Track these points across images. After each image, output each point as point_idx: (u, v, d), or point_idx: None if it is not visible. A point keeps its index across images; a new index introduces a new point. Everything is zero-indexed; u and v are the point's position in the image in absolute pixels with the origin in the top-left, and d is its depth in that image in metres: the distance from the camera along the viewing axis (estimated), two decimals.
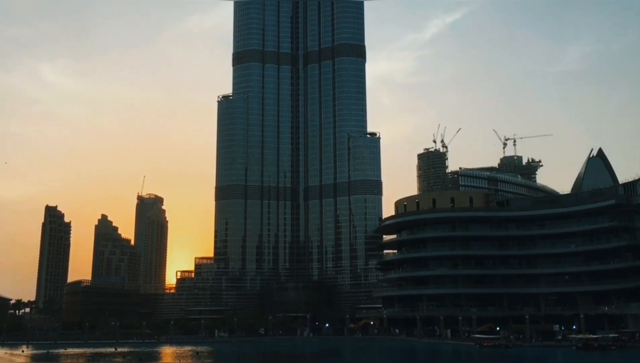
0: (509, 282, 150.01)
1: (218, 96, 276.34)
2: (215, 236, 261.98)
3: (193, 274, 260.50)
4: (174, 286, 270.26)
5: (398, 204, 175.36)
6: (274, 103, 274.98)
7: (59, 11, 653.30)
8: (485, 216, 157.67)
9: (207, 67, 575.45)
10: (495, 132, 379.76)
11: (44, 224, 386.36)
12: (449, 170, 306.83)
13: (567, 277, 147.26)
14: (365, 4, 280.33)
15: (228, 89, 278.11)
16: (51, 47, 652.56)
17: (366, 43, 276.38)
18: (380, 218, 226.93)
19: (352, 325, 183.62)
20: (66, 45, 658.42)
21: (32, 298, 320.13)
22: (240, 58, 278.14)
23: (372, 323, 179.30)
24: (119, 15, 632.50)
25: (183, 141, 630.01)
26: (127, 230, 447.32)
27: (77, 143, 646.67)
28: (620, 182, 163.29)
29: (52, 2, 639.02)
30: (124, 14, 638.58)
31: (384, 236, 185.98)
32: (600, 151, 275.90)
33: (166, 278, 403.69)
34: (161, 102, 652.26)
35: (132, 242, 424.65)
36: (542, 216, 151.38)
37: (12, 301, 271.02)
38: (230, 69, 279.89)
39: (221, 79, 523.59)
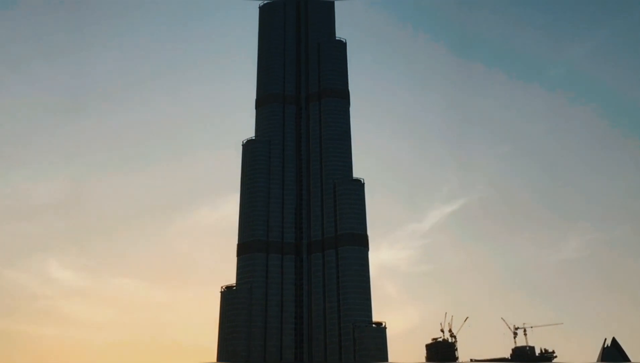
0: None
1: (221, 287, 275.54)
2: None
3: None
4: None
5: None
6: (277, 293, 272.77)
7: (67, 208, 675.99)
8: None
9: (211, 259, 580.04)
10: (504, 321, 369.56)
11: None
12: (459, 361, 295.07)
13: None
14: (367, 196, 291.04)
15: (232, 280, 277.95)
16: (58, 242, 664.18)
17: (369, 233, 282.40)
18: None
19: None
20: (73, 240, 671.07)
21: None
22: (244, 249, 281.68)
23: None
24: (127, 211, 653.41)
25: (183, 333, 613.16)
26: None
27: (73, 338, 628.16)
28: None
29: (62, 199, 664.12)
30: (132, 210, 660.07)
31: None
32: (614, 341, 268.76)
33: None
34: (163, 294, 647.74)
35: None
36: None
37: None
38: (235, 259, 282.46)
39: (225, 271, 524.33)
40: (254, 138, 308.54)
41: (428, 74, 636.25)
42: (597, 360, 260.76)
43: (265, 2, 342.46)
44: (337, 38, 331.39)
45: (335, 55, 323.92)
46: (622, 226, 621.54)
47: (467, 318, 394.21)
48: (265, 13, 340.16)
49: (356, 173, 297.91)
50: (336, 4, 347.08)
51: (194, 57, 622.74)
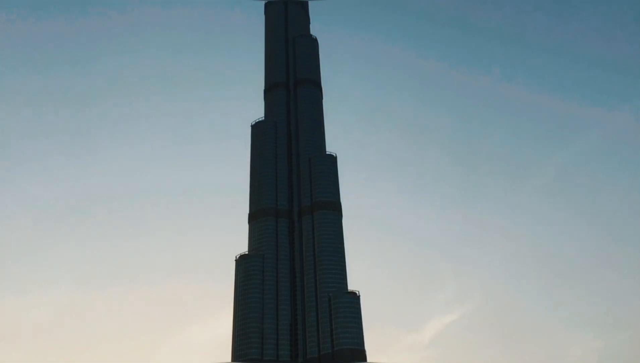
0: None
1: None
2: None
3: None
4: None
5: None
6: None
7: (54, 329, 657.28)
8: None
9: None
10: None
11: None
12: None
13: None
14: (363, 309, 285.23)
15: None
16: None
17: (366, 347, 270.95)
18: None
19: None
20: (60, 362, 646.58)
21: None
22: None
23: None
24: (116, 331, 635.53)
25: None
26: None
27: None
28: None
29: (49, 319, 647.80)
30: (122, 330, 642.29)
31: None
32: None
33: None
34: None
35: None
36: None
37: None
38: None
39: None
40: (247, 252, 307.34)
41: (421, 182, 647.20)
42: None
43: (257, 120, 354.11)
44: (327, 152, 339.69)
45: (326, 169, 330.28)
46: (625, 333, 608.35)
47: None
48: (256, 130, 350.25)
49: (351, 285, 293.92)
50: (326, 117, 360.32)
51: (187, 172, 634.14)
